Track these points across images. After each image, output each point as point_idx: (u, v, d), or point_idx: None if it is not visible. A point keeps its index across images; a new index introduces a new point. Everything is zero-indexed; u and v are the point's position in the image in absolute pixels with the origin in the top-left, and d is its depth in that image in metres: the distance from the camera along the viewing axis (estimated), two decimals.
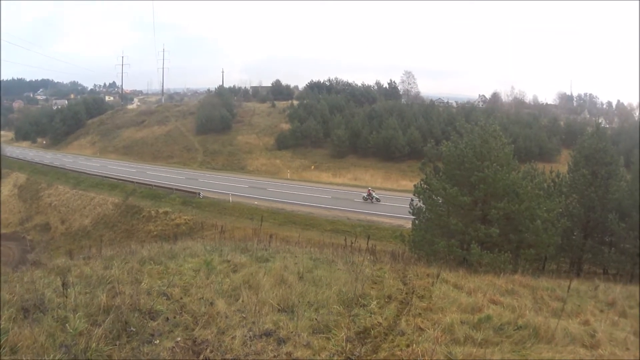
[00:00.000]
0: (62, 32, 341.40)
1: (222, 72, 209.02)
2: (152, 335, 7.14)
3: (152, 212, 56.32)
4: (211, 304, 8.57)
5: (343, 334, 7.76)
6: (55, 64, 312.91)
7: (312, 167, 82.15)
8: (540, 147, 77.31)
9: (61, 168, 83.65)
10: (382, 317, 8.89)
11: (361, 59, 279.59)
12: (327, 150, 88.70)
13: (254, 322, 7.81)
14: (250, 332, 7.45)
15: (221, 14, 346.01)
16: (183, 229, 48.56)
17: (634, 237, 26.07)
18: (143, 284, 9.48)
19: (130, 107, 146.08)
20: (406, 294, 10.76)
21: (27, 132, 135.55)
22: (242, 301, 8.88)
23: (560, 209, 25.73)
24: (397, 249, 23.65)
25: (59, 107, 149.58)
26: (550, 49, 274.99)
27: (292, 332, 7.59)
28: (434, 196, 24.14)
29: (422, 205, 25.09)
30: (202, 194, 58.03)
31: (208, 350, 6.79)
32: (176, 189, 60.70)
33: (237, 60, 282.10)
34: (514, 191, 23.01)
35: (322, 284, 10.52)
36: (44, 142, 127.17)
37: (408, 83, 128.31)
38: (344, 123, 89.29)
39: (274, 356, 6.85)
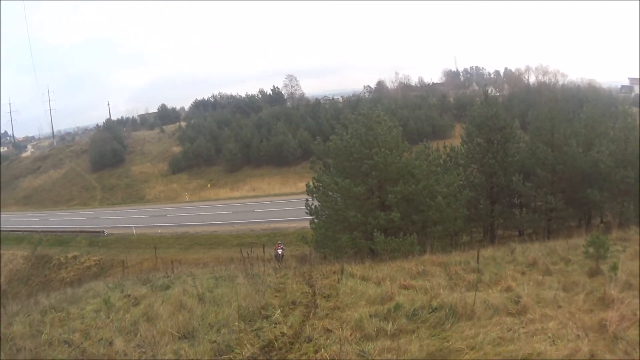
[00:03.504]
0: None
1: (108, 104, 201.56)
2: None
3: (62, 258, 54.37)
4: (110, 343, 8.34)
5: (246, 351, 7.48)
6: None
7: (209, 185, 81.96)
8: (433, 126, 79.08)
9: None
10: (286, 325, 8.61)
11: (242, 69, 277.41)
12: (221, 166, 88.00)
13: (153, 355, 7.64)
14: None
15: (100, 44, 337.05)
16: (94, 270, 47.56)
17: (543, 194, 26.70)
18: (44, 335, 9.21)
19: (24, 155, 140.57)
20: (312, 296, 10.55)
21: None
22: (140, 335, 8.59)
23: (460, 181, 26.05)
24: (305, 251, 24.20)
25: None
26: (429, 28, 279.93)
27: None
28: (328, 192, 23.97)
29: (318, 204, 24.94)
30: (106, 231, 57.06)
31: None
32: (80, 231, 59.20)
33: (122, 91, 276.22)
34: (409, 172, 22.98)
35: (222, 302, 10.29)
36: None
37: (291, 86, 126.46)
38: (233, 136, 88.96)
39: None
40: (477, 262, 10.97)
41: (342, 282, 11.56)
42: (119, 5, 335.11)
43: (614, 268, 10.22)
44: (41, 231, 63.62)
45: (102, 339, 8.67)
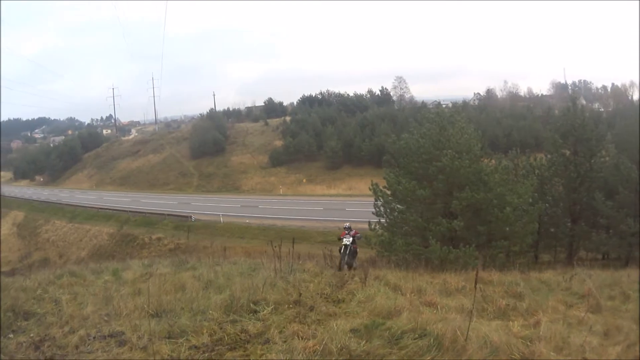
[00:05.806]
0: (57, 72, 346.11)
1: (214, 95, 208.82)
2: (14, 331, 7.44)
3: (146, 238, 56.89)
4: (84, 307, 8.67)
5: (197, 340, 6.78)
6: (51, 102, 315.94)
7: (304, 180, 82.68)
8: (536, 138, 75.67)
9: (57, 203, 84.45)
10: (263, 323, 7.58)
11: (354, 69, 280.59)
12: (322, 162, 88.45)
13: (110, 324, 7.55)
14: (98, 333, 7.16)
15: (214, 38, 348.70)
16: (175, 253, 47.27)
17: (623, 216, 24.49)
18: (38, 290, 10.17)
19: (127, 138, 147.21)
20: (325, 297, 9.62)
21: (25, 171, 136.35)
22: (113, 305, 8.61)
23: (535, 193, 24.07)
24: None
25: (56, 143, 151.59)
26: (540, 39, 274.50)
27: (139, 336, 6.94)
28: (397, 192, 22.77)
29: (385, 204, 23.87)
30: (193, 217, 58.15)
31: (46, 346, 6.81)
32: (169, 215, 61.03)
33: (232, 83, 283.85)
34: (480, 179, 21.44)
35: (225, 290, 9.64)
36: (42, 179, 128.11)
37: (400, 88, 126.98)
38: (336, 134, 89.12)
39: (103, 355, 6.50)
40: (475, 286, 8.72)
41: (365, 287, 10.51)
42: (228, 4, 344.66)
43: None
44: (130, 211, 66.11)
45: (82, 303, 9.10)
